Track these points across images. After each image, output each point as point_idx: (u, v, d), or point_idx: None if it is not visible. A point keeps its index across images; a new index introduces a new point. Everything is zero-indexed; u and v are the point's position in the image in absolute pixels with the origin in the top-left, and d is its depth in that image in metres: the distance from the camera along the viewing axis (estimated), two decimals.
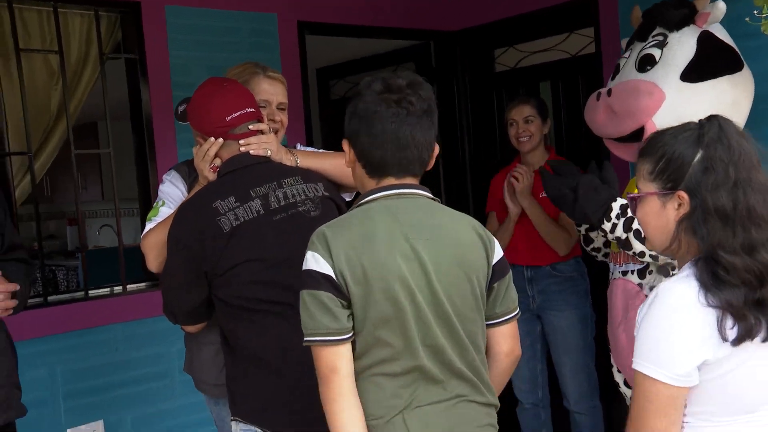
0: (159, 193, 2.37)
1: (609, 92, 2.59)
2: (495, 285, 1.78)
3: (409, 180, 1.75)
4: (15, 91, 3.15)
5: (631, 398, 1.62)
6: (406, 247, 1.67)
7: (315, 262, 1.65)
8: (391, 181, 1.74)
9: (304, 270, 1.66)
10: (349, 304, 1.65)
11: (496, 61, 4.30)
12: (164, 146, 3.35)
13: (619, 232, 2.45)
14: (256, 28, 3.63)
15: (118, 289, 3.37)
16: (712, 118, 1.64)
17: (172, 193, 2.34)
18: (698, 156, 1.58)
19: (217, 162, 2.14)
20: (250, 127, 2.13)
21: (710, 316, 1.50)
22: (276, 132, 2.32)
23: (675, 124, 2.41)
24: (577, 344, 3.40)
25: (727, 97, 2.55)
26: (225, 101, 2.12)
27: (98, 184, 6.55)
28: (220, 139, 2.11)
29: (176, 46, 3.41)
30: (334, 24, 3.93)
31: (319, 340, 1.64)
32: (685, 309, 1.51)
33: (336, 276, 1.63)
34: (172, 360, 3.36)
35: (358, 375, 1.68)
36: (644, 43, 2.65)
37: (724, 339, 1.49)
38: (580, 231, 2.84)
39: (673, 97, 2.51)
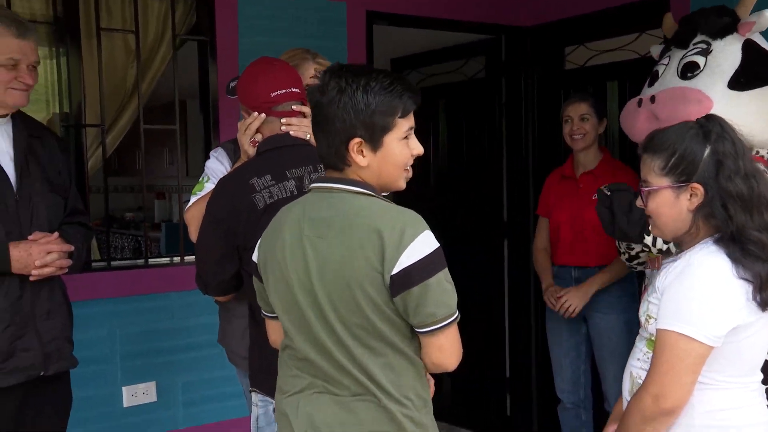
0: (205, 168, 2.50)
1: (653, 99, 2.56)
2: (399, 296, 1.62)
3: (334, 173, 1.73)
4: (95, 68, 3.35)
5: (654, 357, 1.77)
6: (297, 243, 1.70)
7: (256, 246, 1.88)
8: (329, 172, 1.75)
9: None
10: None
11: (566, 59, 4.26)
12: (229, 127, 3.49)
13: (661, 243, 2.47)
14: (325, 17, 3.72)
15: (177, 259, 3.55)
16: (711, 117, 1.87)
17: (216, 168, 2.46)
18: (707, 151, 1.81)
19: (258, 137, 2.22)
20: (294, 107, 2.20)
21: (742, 286, 1.74)
22: None
23: None
24: (622, 347, 3.36)
25: None
26: (272, 78, 2.20)
27: (184, 160, 6.83)
28: (263, 115, 2.19)
29: (246, 31, 3.53)
30: (403, 15, 3.98)
31: (262, 313, 1.92)
32: (723, 278, 1.74)
33: (258, 260, 1.84)
34: None
35: (281, 349, 1.85)
36: (685, 51, 2.61)
37: (760, 305, 1.74)
38: (620, 248, 2.83)
39: (721, 104, 2.47)
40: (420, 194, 4.86)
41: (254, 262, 1.86)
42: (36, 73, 2.34)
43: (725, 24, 2.58)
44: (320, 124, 1.70)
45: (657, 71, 2.72)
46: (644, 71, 3.79)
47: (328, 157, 1.72)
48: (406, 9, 3.97)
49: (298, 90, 2.22)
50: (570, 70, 4.24)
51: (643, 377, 1.85)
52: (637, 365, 1.91)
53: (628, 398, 1.90)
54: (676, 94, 2.53)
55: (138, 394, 3.38)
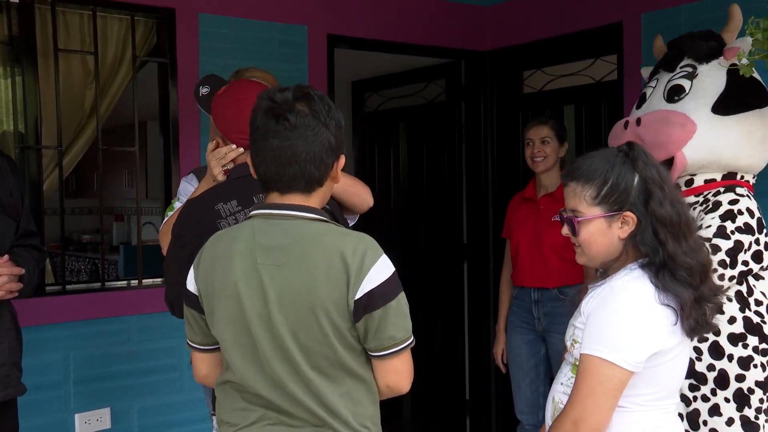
0: (178, 191, 2.50)
1: (638, 121, 2.58)
2: (361, 320, 1.61)
3: (295, 198, 1.67)
4: (52, 88, 3.31)
5: (576, 381, 1.77)
6: (251, 273, 1.63)
7: (189, 276, 1.78)
8: (274, 198, 1.69)
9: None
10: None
11: (524, 83, 4.32)
12: (189, 148, 3.47)
13: None
14: (286, 39, 3.73)
15: (134, 282, 3.50)
16: (633, 145, 1.89)
17: (188, 190, 2.45)
18: (637, 179, 1.83)
19: (230, 166, 2.19)
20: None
21: (664, 312, 1.75)
22: None
23: (706, 156, 2.57)
24: None
25: (758, 132, 2.55)
26: (247, 112, 2.13)
27: (144, 182, 6.76)
28: (241, 149, 2.13)
29: (207, 52, 3.52)
30: (364, 39, 4.01)
31: (189, 344, 1.84)
32: (645, 304, 1.75)
33: (198, 291, 1.74)
34: (183, 354, 3.46)
35: (218, 383, 1.78)
36: (672, 74, 2.66)
37: (687, 333, 1.77)
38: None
39: (704, 129, 2.51)
40: (380, 217, 4.88)
41: (191, 293, 1.77)
42: None
43: (711, 48, 2.62)
44: (283, 150, 1.64)
45: (645, 93, 2.77)
46: (599, 96, 3.91)
47: (309, 179, 1.66)
48: (367, 33, 4.00)
49: None
50: (528, 94, 4.31)
51: (565, 402, 1.84)
52: (560, 390, 1.90)
53: (549, 423, 1.90)
54: (660, 117, 2.56)
55: (92, 420, 3.30)
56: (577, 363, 1.81)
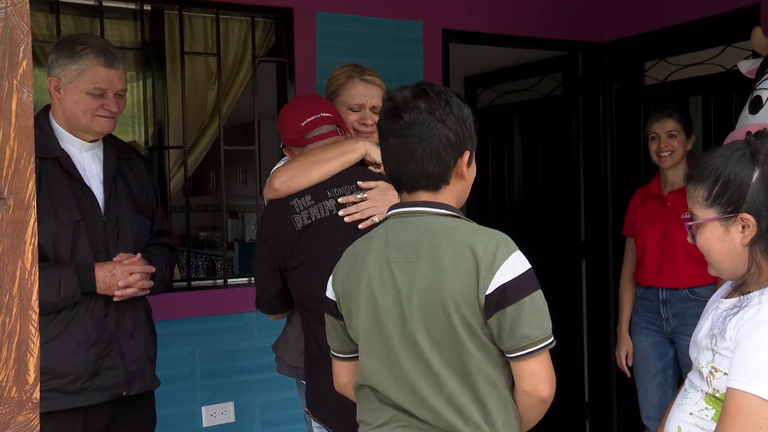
0: None
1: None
2: (494, 317, 1.55)
3: (422, 195, 1.65)
4: (178, 91, 3.41)
5: (724, 420, 1.53)
6: (384, 270, 1.62)
7: (328, 284, 1.78)
8: (404, 197, 1.68)
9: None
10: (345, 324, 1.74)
11: (646, 74, 4.16)
12: None
13: None
14: (401, 36, 3.72)
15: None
16: (762, 135, 1.61)
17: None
18: (756, 175, 1.57)
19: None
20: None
21: None
22: (370, 134, 2.38)
23: None
24: None
25: None
26: (299, 109, 2.25)
27: (258, 180, 6.94)
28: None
29: (324, 51, 3.56)
30: (479, 33, 3.96)
31: (331, 353, 1.82)
32: None
33: (336, 297, 1.74)
34: None
35: (356, 387, 1.75)
36: None
37: None
38: None
39: None
40: (495, 215, 4.82)
41: (329, 299, 1.76)
42: (123, 101, 2.40)
43: None
44: (409, 148, 1.63)
45: (760, 97, 2.55)
46: (730, 85, 3.71)
47: (429, 176, 1.64)
48: (481, 27, 3.95)
49: (328, 114, 2.24)
50: (650, 86, 4.15)
51: None
52: (690, 421, 1.66)
53: None
54: None
55: (217, 414, 3.39)
56: (717, 395, 1.60)
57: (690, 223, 1.67)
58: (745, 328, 1.54)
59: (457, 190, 1.68)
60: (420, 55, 3.77)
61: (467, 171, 1.67)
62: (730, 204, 1.59)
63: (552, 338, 1.63)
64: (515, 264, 1.57)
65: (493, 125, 4.86)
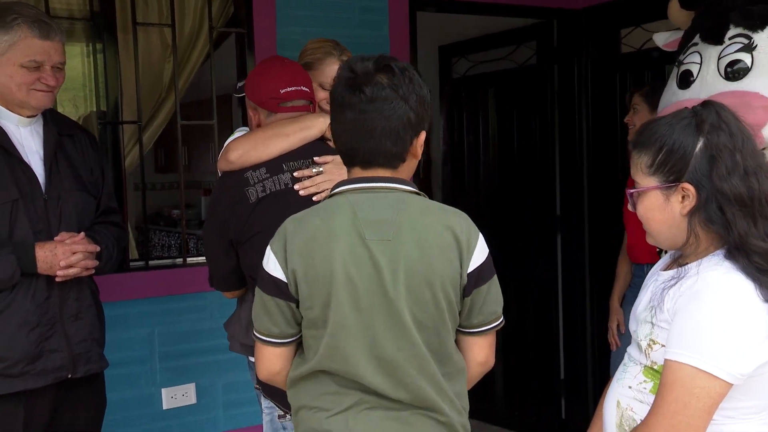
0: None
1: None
2: (471, 294, 1.61)
3: (379, 172, 1.61)
4: (131, 64, 3.29)
5: (661, 393, 1.51)
6: (360, 249, 1.56)
7: (267, 261, 1.65)
8: (358, 172, 1.64)
9: (262, 266, 1.67)
10: (297, 305, 1.63)
11: (622, 42, 4.04)
12: None
13: None
14: (366, 5, 3.60)
15: None
16: (708, 104, 1.59)
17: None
18: (700, 144, 1.56)
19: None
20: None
21: (766, 311, 1.48)
22: None
23: None
24: None
25: None
26: (280, 75, 2.16)
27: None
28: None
29: (284, 21, 3.43)
30: (449, 0, 3.83)
31: (261, 339, 1.68)
32: (749, 303, 1.47)
33: (286, 277, 1.61)
34: None
35: (311, 369, 1.65)
36: (721, 47, 2.35)
37: None
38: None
39: None
40: (468, 188, 4.72)
41: (278, 279, 1.63)
42: (62, 74, 2.30)
43: (762, 12, 2.30)
44: (366, 123, 1.58)
45: (690, 71, 2.44)
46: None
47: (386, 154, 1.60)
48: None
49: (307, 89, 2.19)
50: (626, 54, 4.03)
51: (635, 409, 1.62)
52: (629, 394, 1.65)
53: (615, 430, 1.67)
54: (734, 101, 2.23)
55: (177, 396, 3.33)
56: (655, 367, 1.58)
57: (631, 191, 1.65)
58: (682, 299, 1.53)
59: (411, 167, 1.66)
60: (386, 25, 3.65)
61: (419, 150, 1.65)
62: (672, 173, 1.58)
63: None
64: (483, 245, 1.64)
65: (467, 96, 4.74)
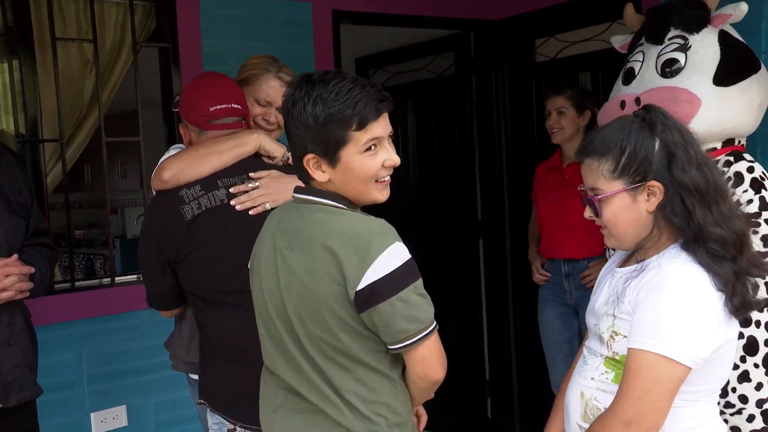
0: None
1: (638, 101, 2.47)
2: (365, 313, 1.55)
3: (312, 184, 1.67)
4: (51, 79, 3.19)
5: (626, 380, 1.60)
6: (271, 254, 1.67)
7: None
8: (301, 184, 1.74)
9: None
10: None
11: (537, 52, 4.19)
12: None
13: None
14: (291, 18, 3.61)
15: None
16: (649, 108, 1.72)
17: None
18: (657, 144, 1.66)
19: None
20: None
21: (720, 299, 1.60)
22: (271, 132, 2.37)
23: (710, 128, 2.44)
24: None
25: (756, 99, 2.46)
26: (212, 93, 2.16)
27: (139, 173, 6.60)
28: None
29: (210, 35, 3.40)
30: (369, 13, 3.88)
31: None
32: (705, 293, 1.59)
33: (249, 264, 1.81)
34: None
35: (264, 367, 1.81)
36: (661, 47, 2.52)
37: (731, 312, 1.61)
38: None
39: (709, 102, 2.39)
40: (391, 197, 4.74)
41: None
42: None
43: (699, 17, 2.48)
44: (288, 138, 1.68)
45: (632, 68, 2.62)
46: (616, 61, 3.74)
47: (296, 171, 1.70)
48: (371, 7, 3.87)
49: (239, 106, 2.19)
50: (541, 63, 4.18)
51: (599, 399, 1.70)
52: (592, 385, 1.73)
53: (580, 422, 1.74)
54: (665, 95, 2.42)
55: (108, 419, 3.24)
56: (617, 357, 1.67)
57: (598, 197, 1.70)
58: (643, 291, 1.63)
59: (341, 180, 1.63)
60: (310, 37, 3.66)
61: (325, 169, 1.62)
62: (638, 174, 1.66)
63: (433, 324, 1.62)
64: (389, 259, 1.54)
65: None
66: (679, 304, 1.59)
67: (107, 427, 3.24)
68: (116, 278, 3.38)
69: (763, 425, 2.31)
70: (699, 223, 1.62)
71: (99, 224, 7.16)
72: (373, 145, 1.62)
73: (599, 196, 1.70)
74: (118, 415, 3.26)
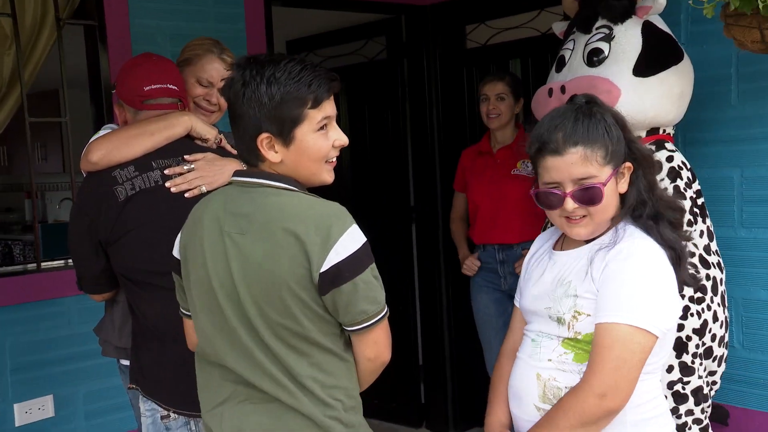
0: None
1: (563, 89, 2.54)
2: (328, 294, 1.57)
3: (260, 166, 1.65)
4: None
5: (599, 353, 1.65)
6: (217, 239, 1.63)
7: (175, 242, 1.79)
8: (243, 166, 1.74)
9: None
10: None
11: (468, 38, 4.23)
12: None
13: None
14: None
15: (70, 261, 3.27)
16: (591, 98, 1.81)
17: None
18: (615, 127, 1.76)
19: None
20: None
21: (673, 271, 1.71)
22: (211, 113, 2.36)
23: (630, 118, 2.52)
24: None
25: (676, 89, 2.55)
26: (148, 72, 2.15)
27: (60, 155, 6.37)
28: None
29: (138, 14, 3.29)
30: None
31: (181, 312, 1.83)
32: (666, 266, 1.68)
33: (179, 253, 1.76)
34: None
35: (197, 355, 1.76)
36: (589, 36, 2.60)
37: (680, 283, 1.72)
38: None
39: (628, 92, 2.48)
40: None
41: (175, 258, 1.78)
42: None
43: (624, 8, 2.56)
44: (233, 120, 1.65)
45: (563, 56, 2.69)
46: (545, 49, 3.84)
47: (242, 153, 1.68)
48: None
49: (175, 87, 2.18)
50: (472, 49, 4.22)
51: (558, 379, 1.73)
52: (549, 366, 1.75)
53: (538, 403, 1.76)
54: (586, 84, 2.48)
55: (33, 410, 3.11)
56: (580, 337, 1.70)
57: (603, 184, 1.70)
58: (608, 269, 1.67)
59: (294, 160, 1.63)
60: (242, 18, 3.59)
61: (278, 149, 1.61)
62: (619, 157, 1.74)
63: (386, 308, 1.67)
64: (349, 241, 1.58)
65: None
66: (647, 277, 1.66)
67: (32, 418, 3.11)
68: (42, 264, 3.25)
69: (674, 405, 2.40)
70: (658, 194, 1.73)
71: (15, 209, 6.88)
72: (325, 124, 1.65)
73: (603, 183, 1.71)
74: (45, 405, 3.14)
